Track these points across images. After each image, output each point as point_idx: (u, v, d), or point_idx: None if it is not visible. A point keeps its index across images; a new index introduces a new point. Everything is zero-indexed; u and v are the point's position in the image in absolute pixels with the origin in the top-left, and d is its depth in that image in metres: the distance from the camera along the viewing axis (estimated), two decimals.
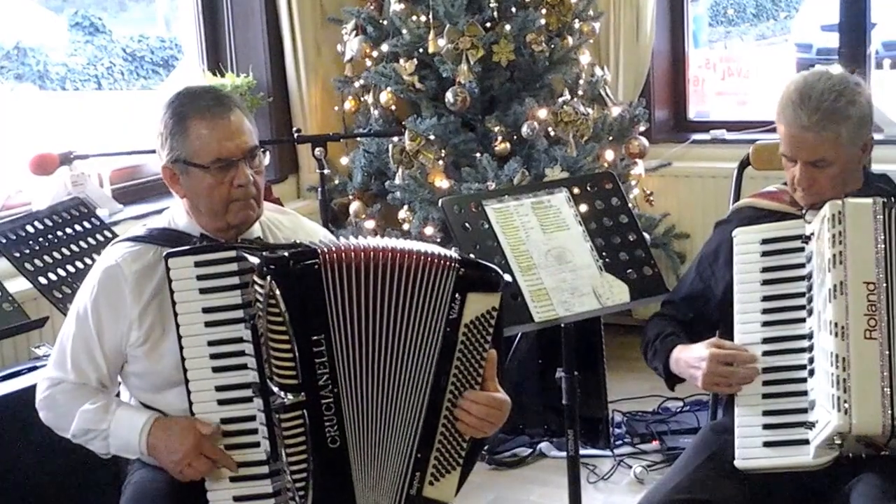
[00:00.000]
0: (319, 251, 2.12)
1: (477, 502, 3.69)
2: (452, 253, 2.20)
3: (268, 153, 2.38)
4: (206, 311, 2.18)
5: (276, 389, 2.09)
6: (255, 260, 2.13)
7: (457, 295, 2.16)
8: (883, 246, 2.24)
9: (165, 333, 2.27)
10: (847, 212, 2.26)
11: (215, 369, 2.19)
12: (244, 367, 2.17)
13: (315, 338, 2.10)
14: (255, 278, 2.09)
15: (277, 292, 2.06)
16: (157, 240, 2.33)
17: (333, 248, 2.14)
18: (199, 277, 2.18)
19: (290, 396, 2.09)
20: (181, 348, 2.20)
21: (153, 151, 2.36)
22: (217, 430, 2.19)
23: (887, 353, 2.19)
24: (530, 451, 4.07)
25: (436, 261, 2.16)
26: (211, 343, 2.19)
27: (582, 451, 3.11)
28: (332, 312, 2.11)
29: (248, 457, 2.19)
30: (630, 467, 3.90)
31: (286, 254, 2.12)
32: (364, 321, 2.14)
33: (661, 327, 2.62)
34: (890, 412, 2.16)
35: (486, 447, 3.69)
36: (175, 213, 2.39)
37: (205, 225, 2.33)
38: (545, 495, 3.77)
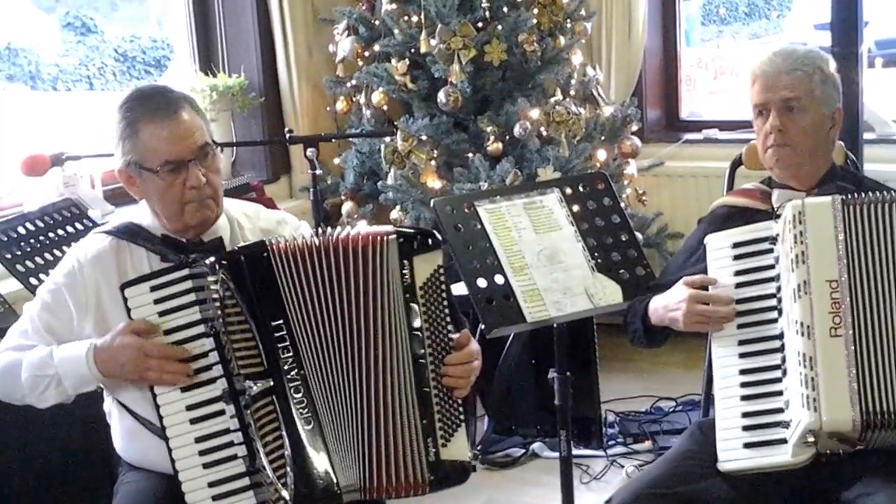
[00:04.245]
0: (267, 243, 2.21)
1: (469, 503, 3.69)
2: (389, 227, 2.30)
3: (220, 153, 2.39)
4: (167, 332, 2.22)
5: (244, 383, 2.14)
6: (208, 261, 2.18)
7: (404, 262, 2.23)
8: (843, 244, 2.26)
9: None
10: (807, 211, 2.29)
11: (183, 389, 2.21)
12: (213, 381, 2.20)
13: (274, 323, 2.17)
14: (210, 278, 2.16)
15: (231, 284, 2.14)
16: (121, 233, 2.38)
17: (282, 240, 2.22)
18: (157, 301, 2.22)
19: (258, 384, 2.14)
20: None
21: None
22: (152, 325, 2.21)
23: (853, 348, 2.21)
24: (523, 451, 4.07)
25: (375, 237, 2.24)
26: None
27: (575, 452, 3.10)
28: (287, 298, 2.19)
29: (227, 471, 2.19)
30: (623, 467, 3.90)
31: (236, 248, 2.25)
32: (321, 303, 2.21)
33: (643, 297, 2.63)
34: (859, 407, 2.18)
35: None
36: (141, 211, 2.43)
37: (166, 226, 2.37)
38: (538, 496, 3.76)
